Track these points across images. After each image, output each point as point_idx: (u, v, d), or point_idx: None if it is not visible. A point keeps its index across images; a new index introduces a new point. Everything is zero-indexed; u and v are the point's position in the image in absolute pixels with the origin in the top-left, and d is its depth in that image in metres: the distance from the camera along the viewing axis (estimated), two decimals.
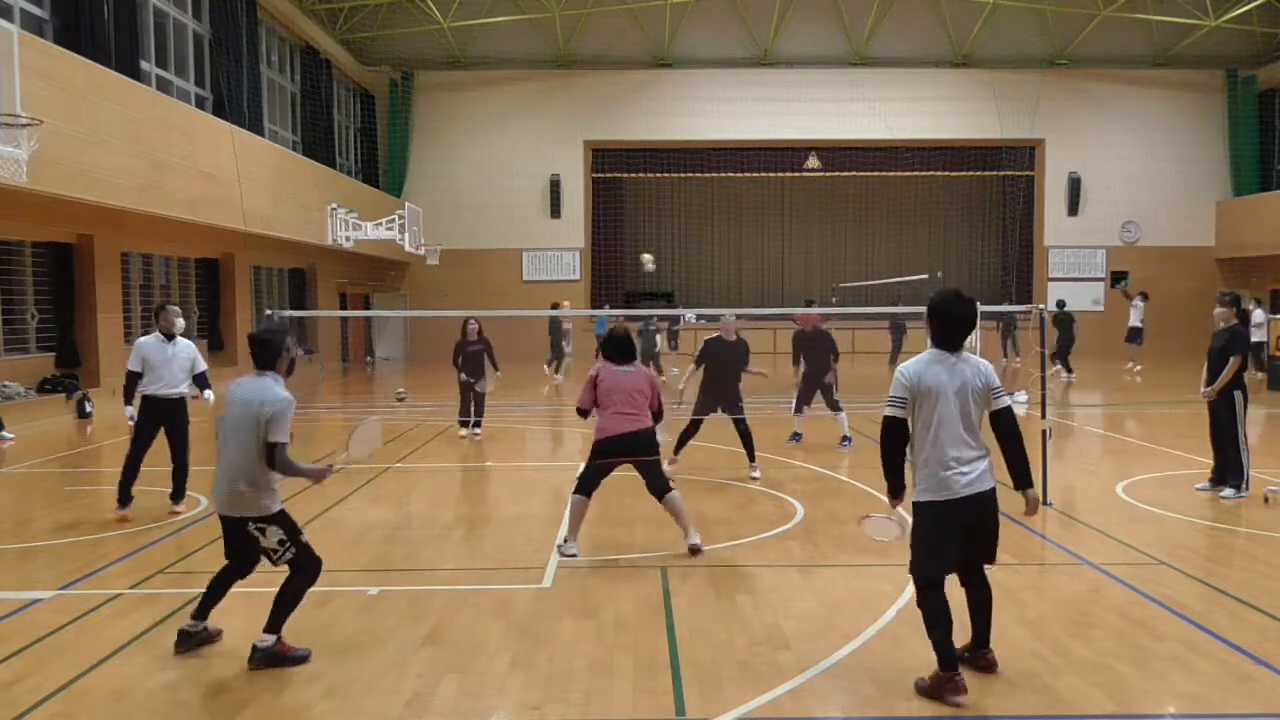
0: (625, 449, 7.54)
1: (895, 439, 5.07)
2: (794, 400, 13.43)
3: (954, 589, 5.09)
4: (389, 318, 33.46)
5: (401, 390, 19.85)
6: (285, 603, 5.51)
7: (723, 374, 10.95)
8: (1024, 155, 33.41)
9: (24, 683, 5.24)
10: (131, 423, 9.11)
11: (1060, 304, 24.33)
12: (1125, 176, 32.75)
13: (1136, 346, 24.64)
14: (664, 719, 4.81)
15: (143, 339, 9.21)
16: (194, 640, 5.66)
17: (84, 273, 17.33)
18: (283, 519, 5.61)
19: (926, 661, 5.46)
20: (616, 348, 7.79)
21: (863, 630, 5.92)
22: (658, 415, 7.75)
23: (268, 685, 5.21)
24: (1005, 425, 5.11)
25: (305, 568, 5.61)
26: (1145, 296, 25.35)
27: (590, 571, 7.32)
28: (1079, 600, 6.54)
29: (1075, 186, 32.98)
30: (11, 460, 12.77)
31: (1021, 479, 5.15)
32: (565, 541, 7.69)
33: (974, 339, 22.24)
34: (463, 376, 14.02)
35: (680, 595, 6.66)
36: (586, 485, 7.68)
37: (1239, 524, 8.68)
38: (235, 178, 19.43)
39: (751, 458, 10.90)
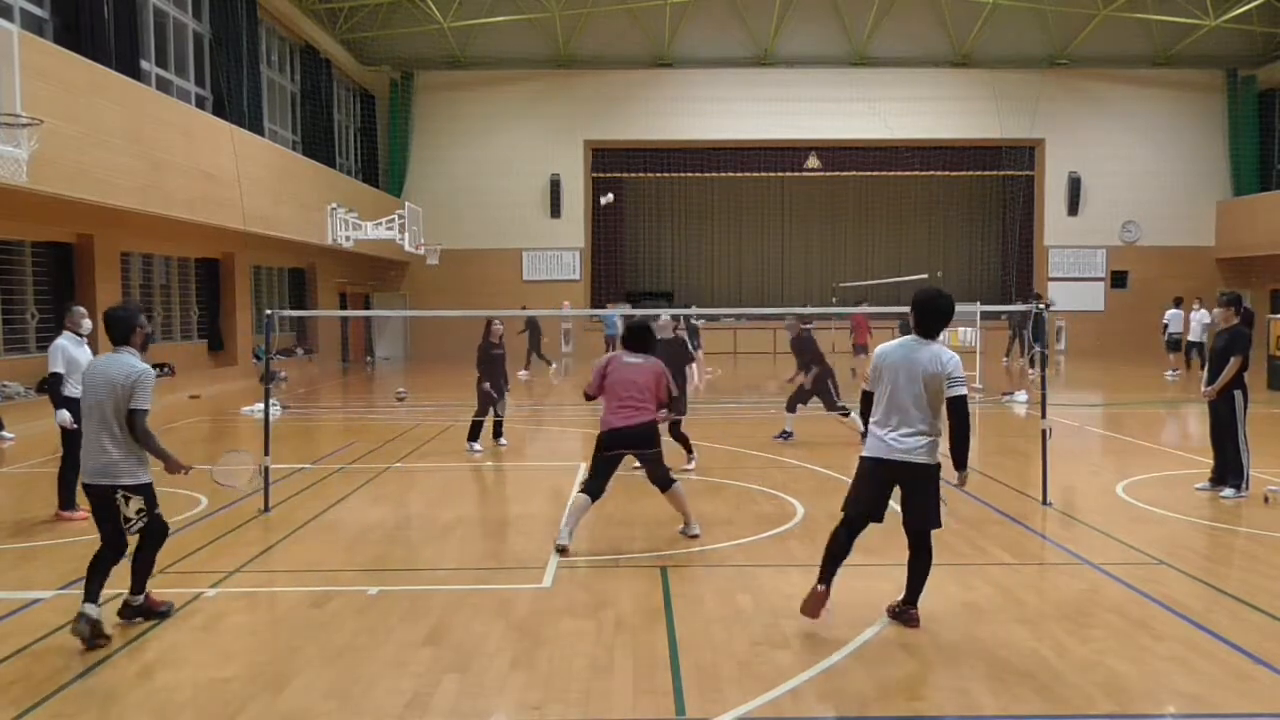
0: (626, 442, 7.69)
1: (866, 407, 6.08)
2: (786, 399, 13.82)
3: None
4: (389, 318, 33.46)
5: (401, 390, 19.85)
6: (143, 567, 6.14)
7: None
8: (1024, 155, 33.40)
9: (24, 683, 5.24)
10: (74, 426, 8.84)
11: (1037, 297, 25.19)
12: (1125, 176, 32.74)
13: (1176, 354, 24.23)
14: (664, 719, 4.81)
15: (62, 341, 8.99)
16: (93, 628, 5.72)
17: (84, 273, 17.33)
18: (147, 491, 6.02)
19: (927, 661, 5.47)
20: (634, 338, 7.93)
21: (863, 630, 5.92)
22: (661, 405, 7.89)
23: (267, 684, 5.21)
24: (953, 412, 5.79)
25: (155, 534, 6.14)
26: (1178, 302, 25.00)
27: (590, 571, 7.32)
28: (1079, 600, 6.54)
29: (1075, 186, 32.98)
30: (11, 460, 12.77)
31: (958, 461, 5.89)
32: (561, 534, 7.74)
33: (975, 337, 22.40)
34: (486, 385, 12.80)
35: (680, 595, 6.66)
36: (592, 485, 7.71)
37: (1239, 524, 8.68)
38: (235, 178, 19.43)
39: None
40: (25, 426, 14.42)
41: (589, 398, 8.00)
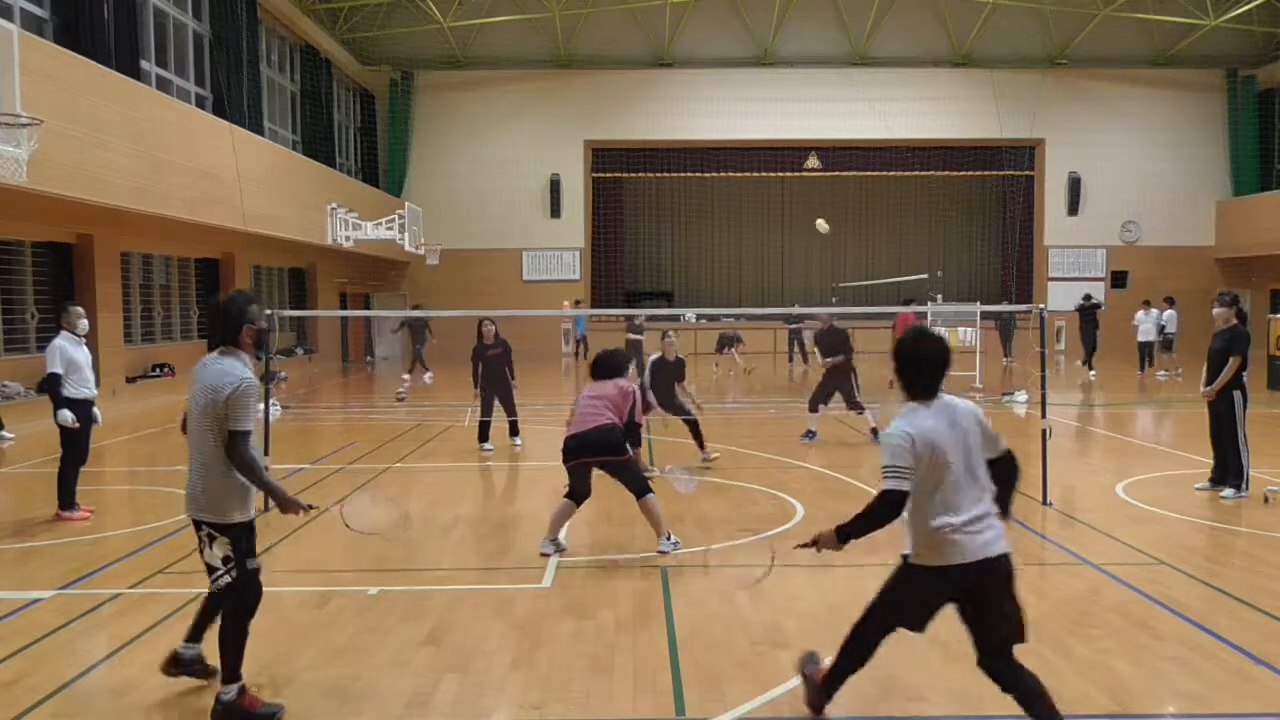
0: (585, 448, 7.64)
1: (893, 515, 4.27)
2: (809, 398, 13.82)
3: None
4: (389, 318, 33.44)
5: (402, 390, 19.86)
6: (230, 646, 4.76)
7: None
8: (1024, 155, 33.40)
9: (24, 683, 5.24)
10: (76, 425, 8.96)
11: (1087, 297, 24.99)
12: (1125, 176, 32.76)
13: (1167, 354, 24.33)
14: (664, 719, 4.81)
15: (60, 341, 9.04)
16: (184, 667, 5.10)
17: (84, 273, 17.32)
18: (237, 534, 4.80)
19: (928, 661, 5.47)
20: (593, 367, 8.19)
21: None
22: (630, 427, 7.79)
23: (267, 685, 5.20)
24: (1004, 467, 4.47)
25: (245, 596, 4.82)
26: (1170, 302, 25.00)
27: (590, 571, 7.32)
28: (1079, 600, 6.54)
29: (1075, 186, 32.98)
30: (11, 460, 12.78)
31: (1004, 508, 4.46)
32: (543, 541, 7.79)
33: (975, 337, 22.27)
34: (478, 391, 13.12)
35: (680, 595, 6.66)
36: (573, 492, 7.76)
37: (1239, 524, 8.68)
38: (235, 177, 19.42)
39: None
40: (25, 426, 14.42)
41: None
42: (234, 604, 4.83)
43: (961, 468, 4.26)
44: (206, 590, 5.05)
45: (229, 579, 4.79)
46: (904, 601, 4.50)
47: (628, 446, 7.73)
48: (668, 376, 12.06)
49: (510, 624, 6.11)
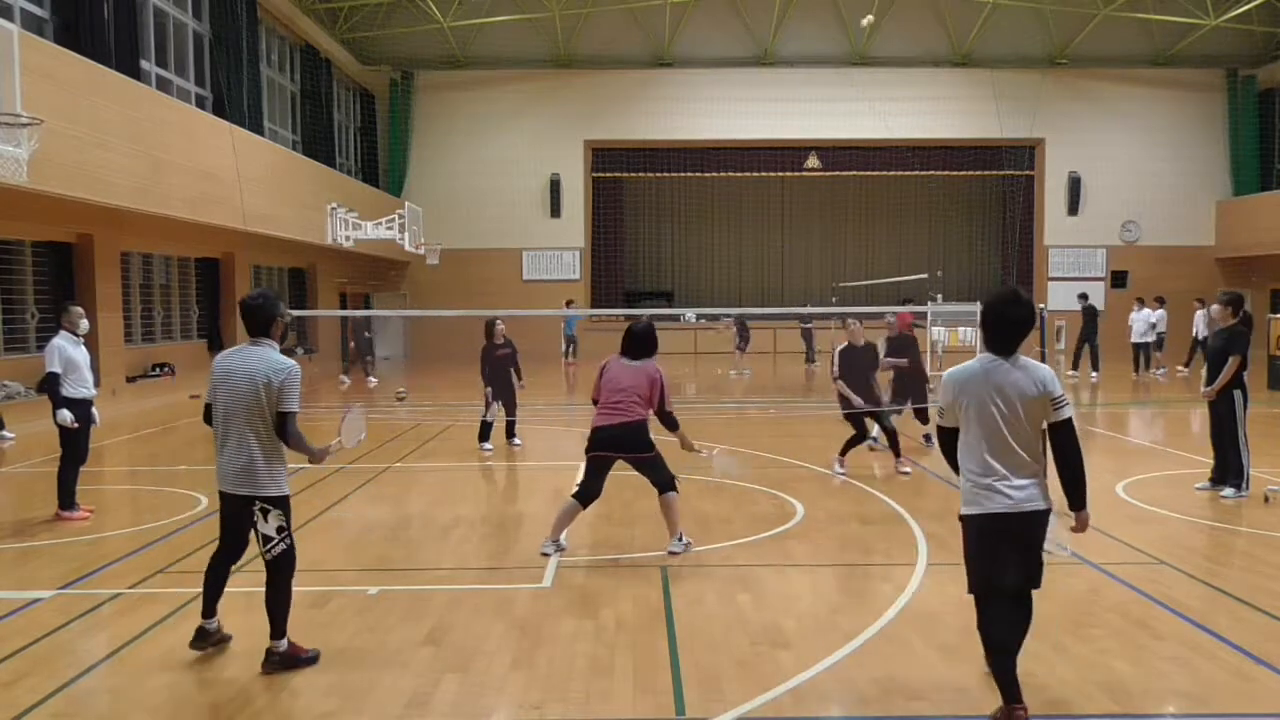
0: (609, 443, 7.56)
1: (948, 447, 4.92)
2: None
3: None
4: (389, 318, 33.45)
5: (402, 390, 19.88)
6: (282, 604, 5.40)
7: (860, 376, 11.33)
8: (1024, 155, 33.39)
9: (24, 683, 5.24)
10: (75, 425, 8.94)
11: (1083, 297, 24.82)
12: (1125, 176, 32.76)
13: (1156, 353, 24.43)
14: (664, 719, 4.81)
15: (58, 341, 9.01)
16: (212, 638, 5.56)
17: (84, 272, 17.32)
18: (288, 505, 5.43)
19: (928, 661, 5.47)
20: (629, 341, 7.77)
21: (863, 630, 5.92)
22: (665, 417, 7.68)
23: (268, 685, 5.21)
24: (1061, 440, 4.77)
25: (288, 563, 5.44)
26: (1161, 301, 25.02)
27: (590, 571, 7.32)
28: (1079, 600, 6.54)
29: (1075, 186, 32.99)
30: (11, 460, 12.78)
31: (1074, 499, 4.90)
32: (544, 541, 7.75)
33: (975, 337, 22.21)
34: (488, 391, 12.96)
35: (680, 595, 6.66)
36: (584, 490, 7.67)
37: (1239, 524, 8.68)
38: (235, 177, 19.42)
39: (897, 454, 11.18)
40: (25, 426, 14.41)
41: (595, 402, 7.83)
42: (284, 568, 5.40)
43: (992, 422, 4.67)
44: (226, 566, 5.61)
45: (284, 546, 5.38)
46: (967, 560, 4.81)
47: (672, 430, 7.69)
48: (859, 364, 11.14)
49: (510, 624, 6.11)
